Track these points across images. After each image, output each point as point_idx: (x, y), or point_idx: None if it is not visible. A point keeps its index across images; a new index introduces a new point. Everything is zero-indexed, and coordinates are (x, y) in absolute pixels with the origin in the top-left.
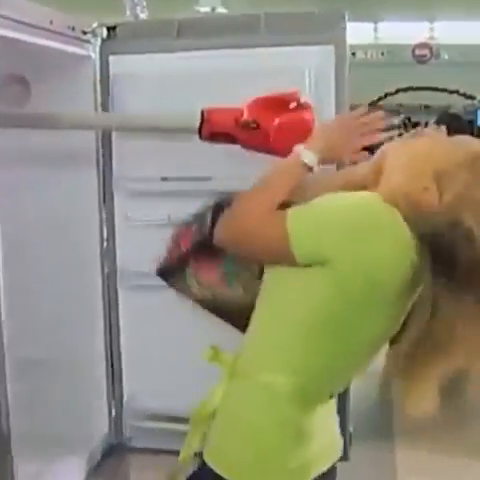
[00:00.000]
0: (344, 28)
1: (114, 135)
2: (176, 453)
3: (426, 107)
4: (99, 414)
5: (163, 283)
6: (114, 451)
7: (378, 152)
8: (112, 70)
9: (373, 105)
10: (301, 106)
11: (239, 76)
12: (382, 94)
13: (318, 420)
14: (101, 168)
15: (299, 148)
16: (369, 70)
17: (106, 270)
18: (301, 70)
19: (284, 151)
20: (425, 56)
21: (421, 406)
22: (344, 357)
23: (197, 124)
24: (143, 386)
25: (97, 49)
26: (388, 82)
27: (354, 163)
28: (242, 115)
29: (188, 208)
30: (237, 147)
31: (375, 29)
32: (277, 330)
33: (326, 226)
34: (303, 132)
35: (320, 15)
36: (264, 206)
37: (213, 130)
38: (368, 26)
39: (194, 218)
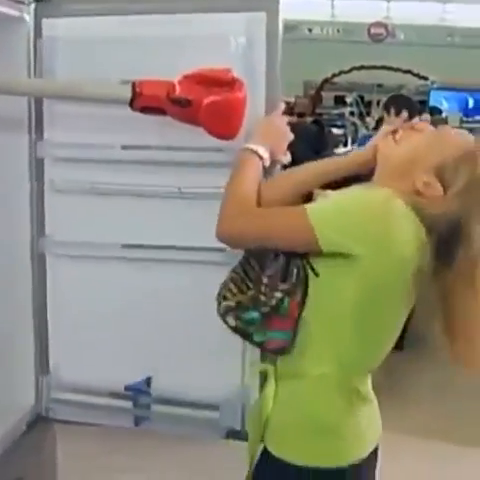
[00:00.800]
0: None
1: (45, 101)
2: (99, 426)
3: (379, 86)
4: (25, 386)
5: (90, 253)
6: (39, 423)
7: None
8: (45, 33)
9: (327, 82)
10: (233, 84)
11: (172, 42)
12: (336, 71)
13: (365, 398)
14: (33, 134)
15: (244, 146)
16: (325, 47)
17: (34, 238)
18: (227, 39)
19: (214, 128)
20: (381, 35)
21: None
22: (381, 338)
23: (129, 96)
24: (69, 358)
25: (31, 11)
26: (343, 59)
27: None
28: (174, 90)
29: (118, 175)
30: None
31: (332, 6)
32: (321, 327)
33: (350, 219)
34: (234, 111)
35: None
36: (252, 198)
37: (144, 104)
38: (325, 2)
39: None
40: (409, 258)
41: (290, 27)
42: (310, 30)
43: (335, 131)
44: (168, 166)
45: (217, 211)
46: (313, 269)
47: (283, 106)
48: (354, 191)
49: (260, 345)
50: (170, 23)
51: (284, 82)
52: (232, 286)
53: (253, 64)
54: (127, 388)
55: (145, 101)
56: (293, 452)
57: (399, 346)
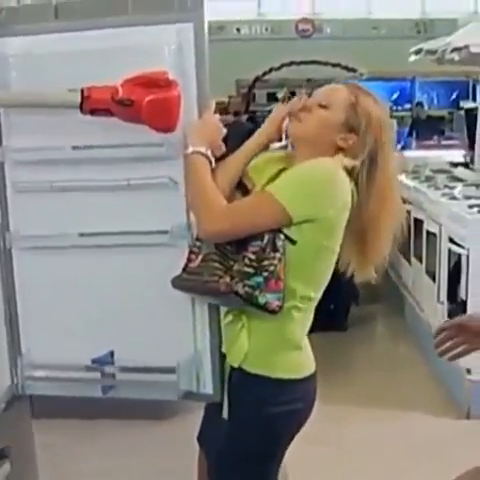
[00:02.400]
0: (202, 7)
1: (2, 111)
2: (73, 398)
3: (309, 81)
4: (1, 368)
5: (51, 244)
6: (16, 401)
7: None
8: None
9: (258, 80)
10: (169, 84)
11: (110, 55)
12: (267, 69)
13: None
14: None
15: (187, 150)
16: (254, 45)
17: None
18: (161, 48)
19: (154, 124)
20: (308, 31)
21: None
22: (329, 273)
23: (78, 101)
24: (39, 340)
25: None
26: (273, 57)
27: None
28: (117, 93)
29: (71, 173)
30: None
31: (259, 5)
32: (292, 277)
33: (310, 190)
34: (171, 108)
35: None
36: (216, 195)
37: (92, 106)
38: (252, 3)
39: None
40: (349, 206)
41: (218, 28)
42: (238, 30)
43: None
44: (116, 162)
45: (162, 199)
46: (291, 239)
47: (214, 104)
48: (305, 166)
49: (263, 307)
50: (111, 37)
51: (217, 82)
52: (215, 265)
53: (184, 68)
54: (94, 361)
55: (93, 104)
56: (268, 367)
57: (343, 328)
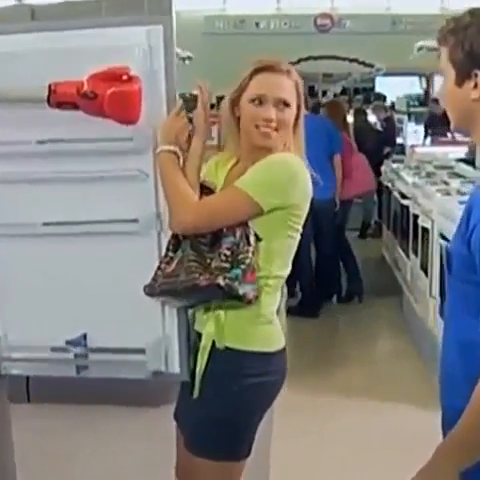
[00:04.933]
0: (171, 10)
1: None
2: (66, 384)
3: (327, 75)
4: None
5: (26, 231)
6: None
7: None
8: None
9: None
10: (130, 79)
11: (83, 54)
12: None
13: None
14: None
15: (158, 149)
16: (273, 40)
17: None
18: (132, 48)
19: (117, 116)
20: (327, 25)
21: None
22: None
23: (46, 95)
24: (15, 324)
25: None
26: (291, 51)
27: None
28: (83, 86)
29: (37, 165)
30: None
31: (278, 0)
32: (263, 263)
33: (277, 181)
34: (131, 101)
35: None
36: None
37: (59, 100)
38: None
39: None
40: (310, 191)
41: (239, 22)
42: (257, 24)
43: None
44: (87, 155)
45: (132, 190)
46: (257, 236)
47: (180, 103)
48: (270, 160)
49: (242, 297)
50: (83, 37)
51: (236, 76)
52: (193, 264)
53: (153, 68)
54: (68, 342)
55: (59, 97)
56: (244, 341)
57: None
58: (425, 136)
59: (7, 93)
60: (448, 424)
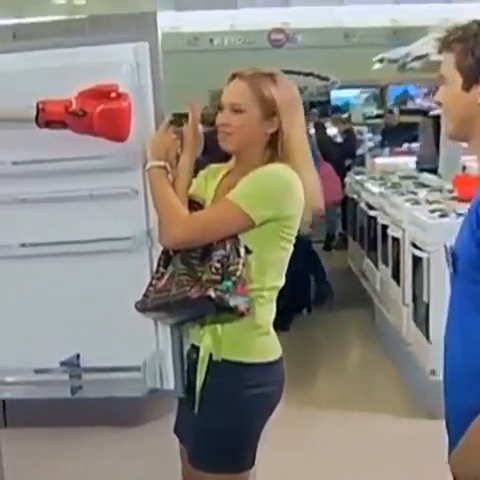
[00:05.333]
0: (155, 27)
1: None
2: (43, 407)
3: None
4: None
5: (8, 253)
6: None
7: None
8: None
9: None
10: (119, 96)
11: (69, 72)
12: None
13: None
14: None
15: (148, 165)
16: (227, 56)
17: None
18: (120, 65)
19: (107, 133)
20: (281, 40)
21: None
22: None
23: (34, 114)
24: (5, 347)
25: None
26: (246, 67)
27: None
28: (71, 105)
29: (13, 187)
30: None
31: (232, 16)
32: (256, 274)
33: (269, 193)
34: (121, 117)
35: (135, 16)
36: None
37: (47, 119)
38: (224, 13)
39: None
40: (303, 201)
41: (192, 39)
42: (211, 41)
43: None
44: (68, 174)
45: (117, 207)
46: (247, 249)
47: (167, 120)
48: (260, 173)
49: (233, 309)
50: (68, 55)
51: (191, 93)
52: (184, 278)
53: (141, 84)
54: (62, 363)
55: (47, 116)
56: (241, 353)
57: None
58: (382, 147)
59: None
60: (455, 424)
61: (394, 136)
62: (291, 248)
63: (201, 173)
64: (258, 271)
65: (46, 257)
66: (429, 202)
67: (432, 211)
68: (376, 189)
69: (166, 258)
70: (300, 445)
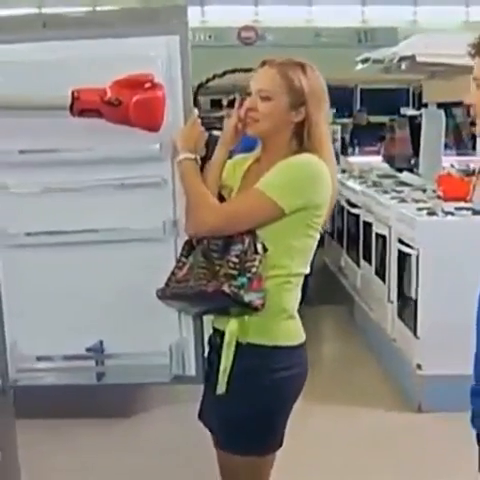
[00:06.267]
0: (186, 21)
1: None
2: (37, 399)
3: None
4: None
5: (37, 241)
6: (2, 395)
7: None
8: None
9: (202, 87)
10: (154, 86)
11: (99, 63)
12: (210, 76)
13: None
14: None
15: (179, 158)
16: (197, 53)
17: None
18: (153, 57)
19: (141, 122)
20: (251, 38)
21: None
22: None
23: (68, 103)
24: (25, 333)
25: None
26: (216, 64)
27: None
28: (106, 94)
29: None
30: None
31: (202, 13)
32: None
33: (299, 183)
34: (156, 107)
35: (166, 9)
36: (207, 195)
37: (82, 107)
38: (195, 9)
39: None
40: (331, 190)
41: None
42: None
43: (216, 133)
44: (108, 163)
45: (140, 197)
46: (264, 246)
47: (196, 112)
48: (290, 162)
49: (249, 304)
50: (101, 46)
51: None
52: (202, 271)
53: (172, 77)
54: (88, 350)
55: (83, 104)
56: (268, 336)
57: None
58: (351, 146)
59: (27, 101)
60: None
61: (363, 136)
62: (318, 236)
63: (229, 162)
64: (286, 257)
65: (75, 245)
66: (415, 200)
67: (419, 209)
68: (357, 187)
69: (189, 248)
70: (287, 439)
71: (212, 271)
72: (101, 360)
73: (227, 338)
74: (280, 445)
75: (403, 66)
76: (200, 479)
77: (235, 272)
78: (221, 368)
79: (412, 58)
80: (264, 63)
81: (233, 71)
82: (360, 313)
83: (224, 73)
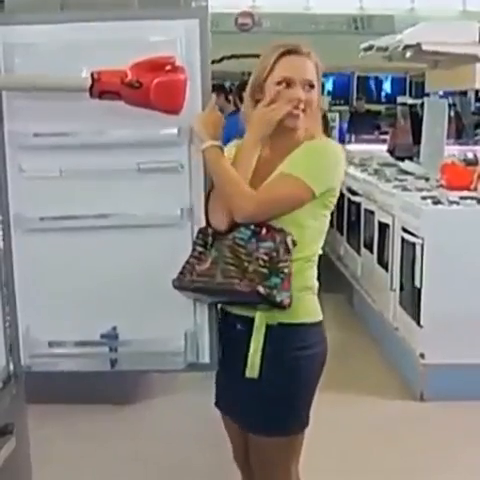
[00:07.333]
0: (206, 5)
1: (4, 94)
2: (35, 384)
3: (249, 74)
4: None
5: (52, 226)
6: (15, 380)
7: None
8: (2, 40)
9: None
10: (175, 68)
11: (119, 45)
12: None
13: None
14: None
15: (205, 145)
16: None
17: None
18: (172, 41)
19: (162, 105)
20: (248, 25)
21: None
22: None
23: (88, 84)
24: (38, 319)
25: None
26: (213, 50)
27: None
28: (126, 76)
29: (78, 161)
30: (121, 103)
31: None
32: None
33: (327, 167)
34: (177, 90)
35: None
36: (239, 182)
37: (102, 89)
38: None
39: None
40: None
41: None
42: None
43: None
44: (126, 147)
45: (157, 183)
46: (294, 241)
47: (214, 98)
48: (316, 146)
49: (280, 304)
50: (120, 28)
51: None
52: (231, 268)
53: (191, 61)
54: (103, 336)
55: (103, 86)
56: (294, 314)
57: None
58: (349, 134)
59: (46, 82)
60: None
61: (360, 124)
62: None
63: (231, 145)
64: (313, 240)
65: (89, 230)
66: (419, 189)
67: (424, 198)
68: (359, 175)
69: (205, 238)
70: None
71: (241, 268)
72: (115, 346)
73: (257, 322)
74: (308, 423)
75: (407, 54)
76: (205, 465)
77: (265, 270)
78: (251, 351)
79: (417, 46)
80: (289, 52)
81: (230, 57)
82: (359, 301)
83: (222, 59)
